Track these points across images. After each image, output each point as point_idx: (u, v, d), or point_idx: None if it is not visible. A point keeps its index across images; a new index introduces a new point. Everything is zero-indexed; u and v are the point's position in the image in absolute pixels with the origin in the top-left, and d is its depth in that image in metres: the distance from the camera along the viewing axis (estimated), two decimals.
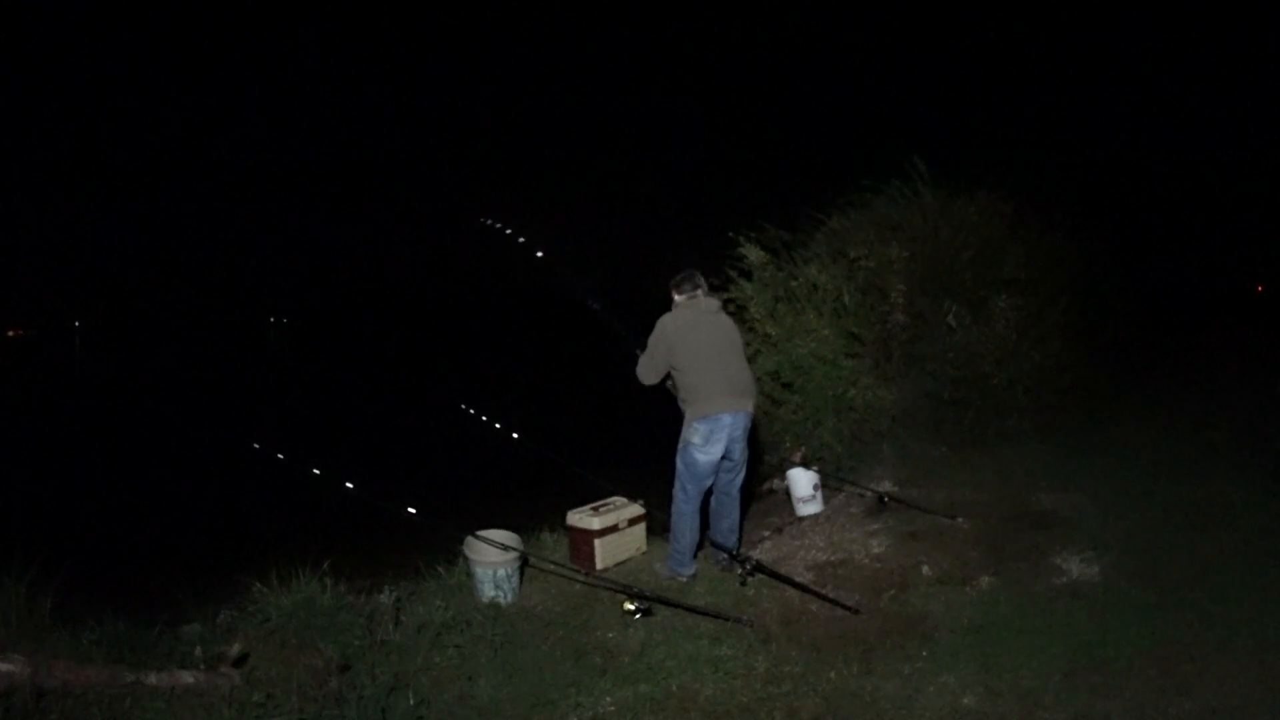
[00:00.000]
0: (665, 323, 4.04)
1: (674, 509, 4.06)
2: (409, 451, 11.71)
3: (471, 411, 4.77)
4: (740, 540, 4.38)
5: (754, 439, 4.34)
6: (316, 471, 3.47)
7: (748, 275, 6.25)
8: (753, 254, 6.25)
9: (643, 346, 4.13)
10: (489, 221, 4.67)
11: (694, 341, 3.98)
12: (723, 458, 4.00)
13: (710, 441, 3.91)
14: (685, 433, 3.96)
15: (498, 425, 4.66)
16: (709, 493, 4.13)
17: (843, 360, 5.92)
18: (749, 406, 4.04)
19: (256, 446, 3.71)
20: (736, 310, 6.19)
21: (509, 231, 4.63)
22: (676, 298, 4.12)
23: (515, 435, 4.64)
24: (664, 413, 4.33)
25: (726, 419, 3.92)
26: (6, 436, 14.96)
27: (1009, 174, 7.17)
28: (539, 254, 4.61)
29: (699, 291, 4.11)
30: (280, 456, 3.53)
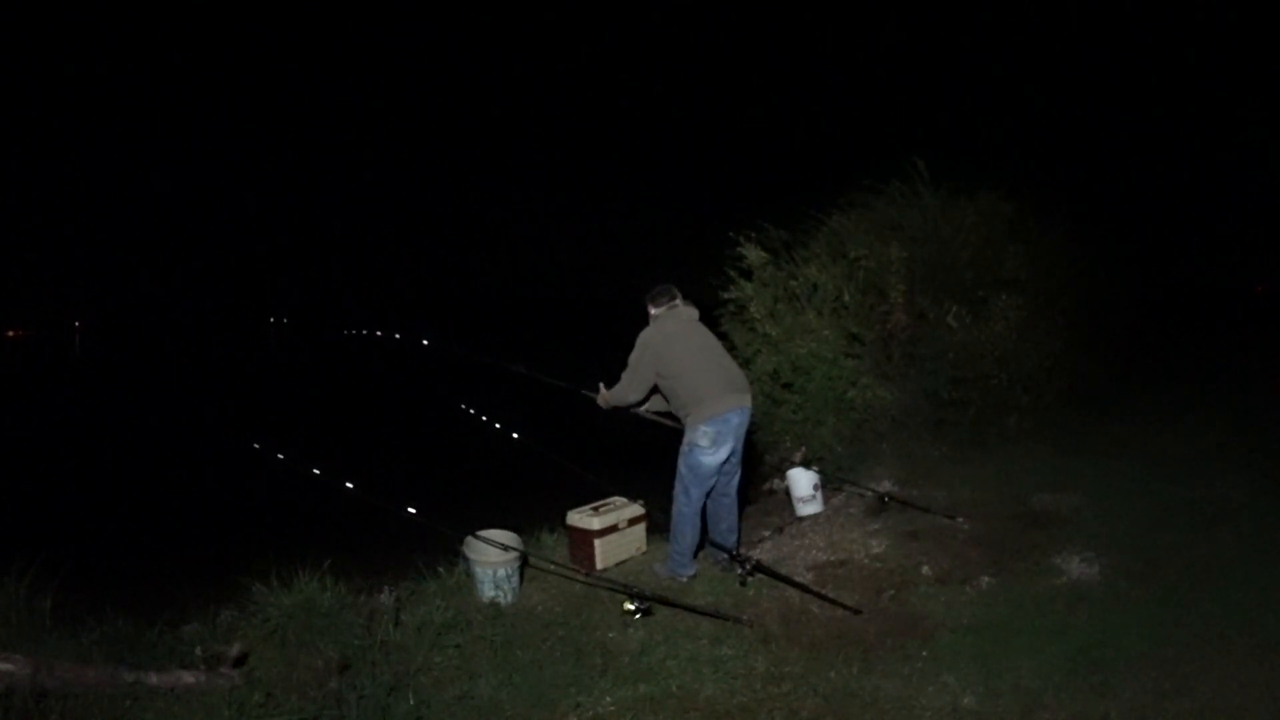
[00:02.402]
0: (650, 336, 4.03)
1: (675, 512, 4.05)
2: (409, 451, 11.71)
3: (471, 411, 4.77)
4: (739, 540, 4.39)
5: (754, 439, 4.34)
6: (316, 471, 3.47)
7: (748, 275, 6.25)
8: (753, 254, 6.24)
9: (608, 380, 4.17)
10: (351, 332, 4.81)
11: (685, 347, 3.98)
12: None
13: (718, 443, 3.91)
14: (691, 436, 3.93)
15: (498, 425, 4.66)
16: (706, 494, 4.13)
17: (843, 360, 5.92)
18: (749, 401, 4.07)
19: (256, 446, 3.71)
20: (737, 310, 6.21)
21: (379, 334, 4.69)
22: (654, 310, 4.12)
23: (515, 435, 4.64)
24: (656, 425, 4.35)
25: (734, 418, 3.94)
26: (7, 437, 14.96)
27: (1009, 174, 7.17)
28: (424, 342, 4.66)
29: (677, 301, 4.13)
30: (280, 456, 3.54)
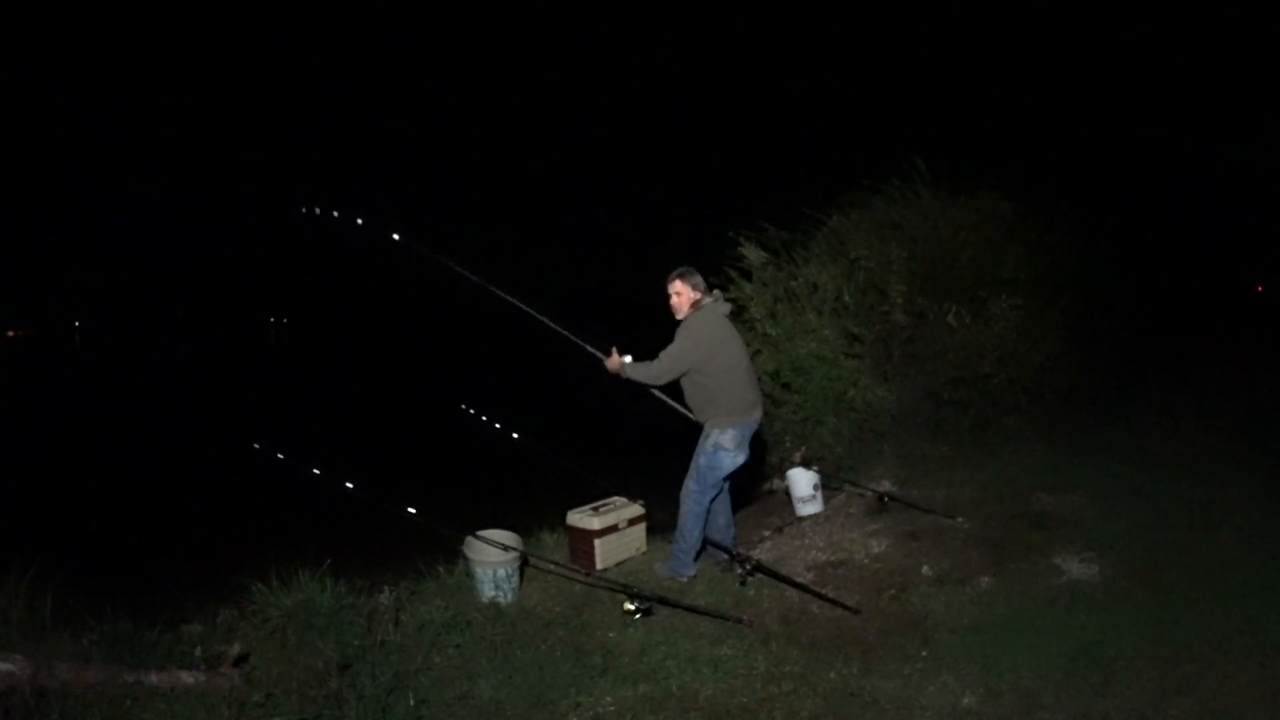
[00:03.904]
0: (702, 333, 3.93)
1: (685, 509, 4.06)
2: (409, 451, 11.72)
3: (471, 411, 4.76)
4: (736, 536, 4.41)
5: (754, 439, 4.35)
6: (316, 471, 3.46)
7: (748, 275, 6.25)
8: (753, 254, 6.25)
9: (620, 348, 4.08)
10: (304, 210, 3.94)
11: (728, 349, 3.98)
12: None
13: (740, 447, 3.98)
14: (718, 438, 3.94)
15: (498, 425, 4.65)
16: None
17: (843, 360, 5.93)
18: (761, 410, 4.17)
19: (256, 446, 3.69)
20: (737, 310, 6.21)
21: (335, 214, 3.87)
22: (698, 295, 4.01)
23: (515, 435, 4.63)
24: (665, 410, 4.34)
25: (754, 427, 4.05)
26: (7, 436, 14.97)
27: (1009, 174, 7.18)
28: (395, 236, 4.03)
29: (717, 291, 4.13)
30: (280, 456, 3.53)
